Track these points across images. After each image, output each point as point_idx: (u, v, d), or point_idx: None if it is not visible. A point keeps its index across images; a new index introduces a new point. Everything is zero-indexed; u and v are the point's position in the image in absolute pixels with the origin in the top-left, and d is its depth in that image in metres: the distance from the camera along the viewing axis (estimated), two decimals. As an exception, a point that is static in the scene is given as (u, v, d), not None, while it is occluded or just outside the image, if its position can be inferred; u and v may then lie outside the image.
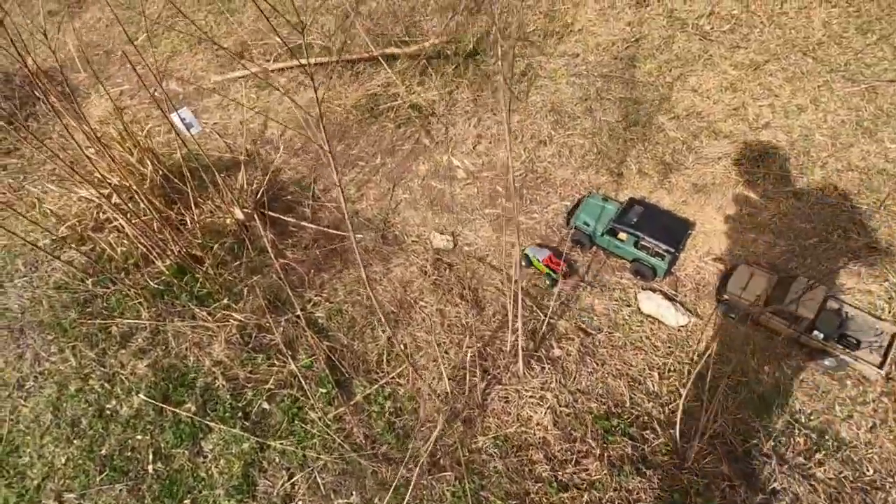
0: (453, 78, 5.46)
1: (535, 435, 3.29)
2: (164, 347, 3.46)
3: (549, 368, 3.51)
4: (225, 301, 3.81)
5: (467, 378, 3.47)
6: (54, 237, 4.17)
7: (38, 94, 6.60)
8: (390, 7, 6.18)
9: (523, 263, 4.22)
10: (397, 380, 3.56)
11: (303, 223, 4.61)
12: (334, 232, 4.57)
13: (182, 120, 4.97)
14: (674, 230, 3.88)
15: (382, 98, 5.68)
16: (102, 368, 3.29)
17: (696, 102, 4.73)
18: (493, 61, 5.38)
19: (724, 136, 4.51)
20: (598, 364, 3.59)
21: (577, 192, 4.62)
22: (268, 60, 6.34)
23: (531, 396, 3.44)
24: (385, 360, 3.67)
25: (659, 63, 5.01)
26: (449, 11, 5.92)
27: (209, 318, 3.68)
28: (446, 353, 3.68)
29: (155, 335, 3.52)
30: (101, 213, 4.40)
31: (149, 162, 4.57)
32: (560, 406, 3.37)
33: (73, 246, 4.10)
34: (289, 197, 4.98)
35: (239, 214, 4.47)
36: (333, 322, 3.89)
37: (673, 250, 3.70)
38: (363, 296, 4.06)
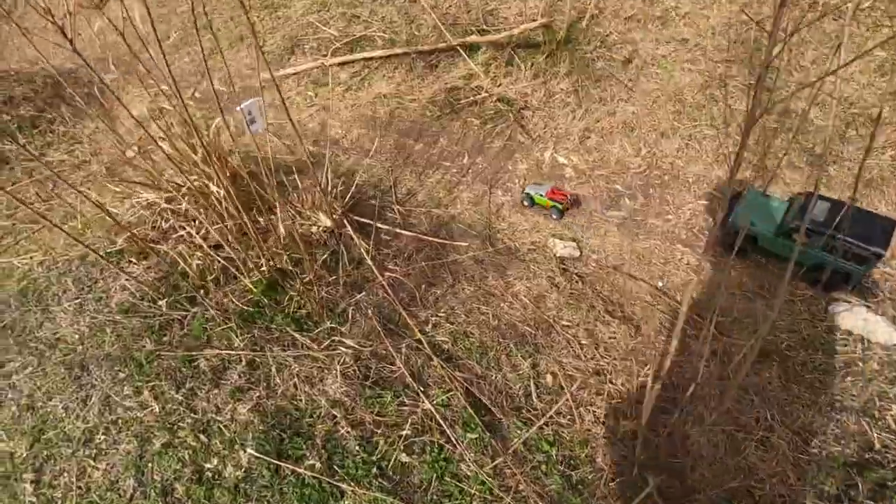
0: (546, 67, 4.87)
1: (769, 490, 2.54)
2: (266, 384, 2.73)
3: (756, 401, 2.82)
4: (328, 324, 3.09)
5: (644, 414, 2.78)
6: (109, 250, 3.44)
7: (62, 95, 5.93)
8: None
9: (525, 203, 4.16)
10: (556, 418, 2.85)
11: (399, 230, 3.93)
12: (436, 240, 3.90)
13: (248, 115, 4.29)
14: (876, 228, 3.18)
15: (463, 92, 5.07)
16: (193, 415, 2.54)
17: (842, 88, 4.17)
18: (592, 48, 4.80)
19: (887, 123, 3.94)
20: (808, 392, 2.91)
21: (714, 190, 4.00)
22: (324, 55, 5.72)
23: (745, 437, 2.74)
24: (534, 394, 2.97)
25: (788, 46, 4.46)
26: (529, -2, 5.36)
27: (314, 345, 2.96)
28: (611, 382, 2.98)
29: (253, 369, 2.78)
30: (163, 221, 3.68)
31: (216, 161, 3.87)
32: (792, 451, 2.65)
33: (133, 260, 3.37)
34: (372, 201, 4.30)
35: (326, 221, 3.78)
36: (460, 347, 3.18)
37: (882, 252, 3.07)
38: (489, 315, 3.36)
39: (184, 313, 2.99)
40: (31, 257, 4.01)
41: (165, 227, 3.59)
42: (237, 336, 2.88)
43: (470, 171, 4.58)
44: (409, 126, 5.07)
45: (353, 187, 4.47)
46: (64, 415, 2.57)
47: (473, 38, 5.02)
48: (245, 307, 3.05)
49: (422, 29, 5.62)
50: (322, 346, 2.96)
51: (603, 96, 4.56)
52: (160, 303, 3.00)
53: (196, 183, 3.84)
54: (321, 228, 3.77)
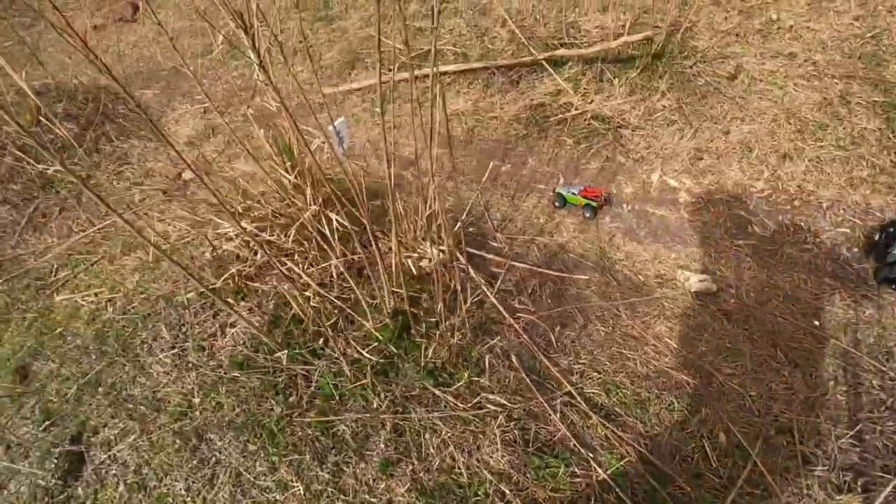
0: (642, 83, 4.55)
1: None
2: (417, 454, 2.32)
3: None
4: (466, 375, 2.68)
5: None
6: (201, 290, 3.01)
7: (105, 112, 5.51)
8: (540, 6, 5.30)
9: (556, 204, 4.04)
10: (747, 487, 2.46)
11: (514, 262, 3.54)
12: (556, 273, 3.51)
13: (338, 135, 3.92)
14: None
15: (551, 109, 4.73)
16: (344, 496, 2.11)
17: None
18: (692, 63, 4.49)
19: None
20: None
21: (852, 216, 3.67)
22: (390, 69, 5.37)
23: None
24: (712, 457, 2.57)
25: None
26: (614, 9, 5.06)
27: (458, 402, 2.55)
28: (801, 443, 2.60)
29: (399, 435, 2.37)
30: (251, 254, 3.27)
31: (308, 187, 3.47)
32: None
33: (230, 301, 2.95)
34: (471, 229, 3.92)
35: (436, 254, 3.38)
36: (614, 400, 2.78)
37: None
38: (635, 361, 2.97)
39: (307, 367, 2.56)
40: (95, 293, 3.57)
41: (259, 261, 3.18)
42: (374, 394, 2.47)
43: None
44: (493, 145, 4.72)
45: (463, 215, 4.10)
46: (186, 497, 2.13)
47: (563, 51, 4.70)
48: (373, 358, 2.63)
49: (496, 42, 5.29)
50: (468, 404, 2.55)
51: (712, 114, 4.24)
52: (278, 354, 2.57)
53: (288, 210, 3.45)
54: (431, 262, 3.37)
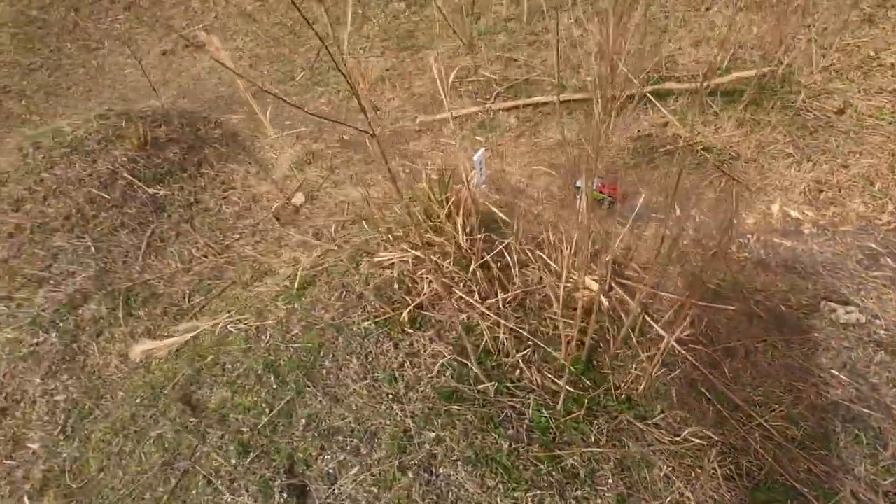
0: (749, 116, 4.67)
1: None
2: (646, 489, 2.30)
3: None
4: (659, 408, 2.69)
5: None
6: (377, 319, 3.01)
7: (202, 137, 5.56)
8: (633, 39, 5.45)
9: (577, 197, 3.93)
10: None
11: (663, 293, 3.58)
12: (701, 303, 3.54)
13: (479, 166, 3.98)
14: None
15: (657, 140, 4.84)
16: (590, 534, 2.11)
17: None
18: (800, 98, 4.62)
19: None
20: None
21: (985, 250, 3.76)
22: (487, 98, 5.48)
23: None
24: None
25: None
26: (706, 44, 5.22)
27: (661, 434, 2.55)
28: None
29: (622, 469, 2.35)
30: (410, 283, 3.28)
31: (459, 218, 3.51)
32: None
33: (409, 330, 2.95)
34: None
35: (593, 284, 3.41)
36: (802, 433, 2.79)
37: None
38: (809, 392, 2.99)
39: (514, 399, 2.56)
40: (238, 319, 3.55)
41: (428, 291, 3.19)
42: (588, 427, 2.46)
43: (688, 224, 4.30)
44: (603, 175, 4.79)
45: (616, 244, 4.14)
46: (435, 538, 2.10)
47: (671, 84, 4.83)
48: (573, 390, 2.63)
49: (592, 74, 5.43)
50: (673, 438, 2.55)
51: (827, 147, 4.35)
52: (483, 386, 2.57)
53: (438, 240, 3.48)
54: (588, 294, 3.40)
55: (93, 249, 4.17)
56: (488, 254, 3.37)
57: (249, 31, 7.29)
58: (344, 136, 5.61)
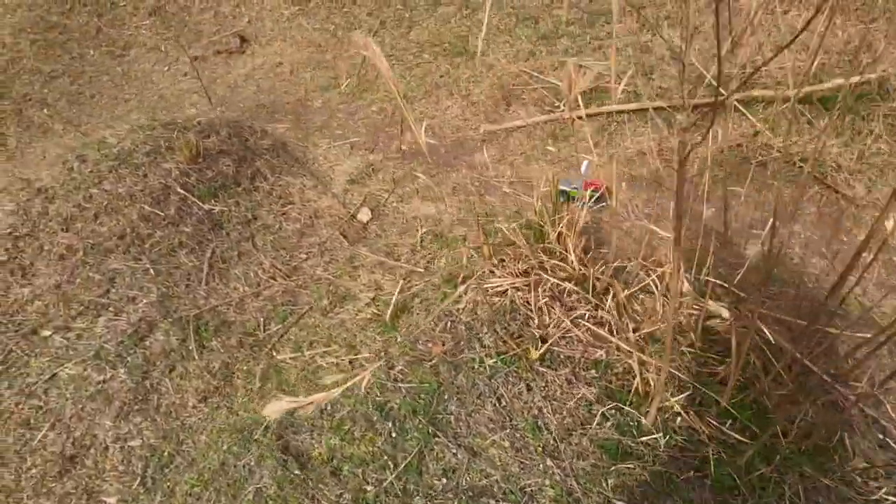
0: (849, 124, 4.39)
1: None
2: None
3: None
4: (837, 458, 2.37)
5: None
6: (501, 354, 2.67)
7: (252, 148, 5.23)
8: (707, 44, 5.18)
9: (561, 199, 3.70)
10: None
11: (787, 319, 3.26)
12: (833, 331, 3.24)
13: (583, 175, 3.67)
14: None
15: (748, 151, 4.54)
16: None
17: None
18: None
19: None
20: None
21: None
22: (556, 106, 5.17)
23: None
24: None
25: None
26: (790, 51, 4.95)
27: (849, 490, 2.23)
28: None
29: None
30: (530, 313, 2.95)
31: (572, 239, 3.19)
32: None
33: (545, 370, 2.62)
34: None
35: (723, 311, 3.10)
36: None
37: None
38: None
39: (686, 454, 2.23)
40: (327, 351, 3.22)
41: (551, 321, 2.86)
42: (780, 487, 2.14)
43: (792, 241, 4.00)
44: (687, 188, 4.49)
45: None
46: None
47: (759, 91, 4.55)
48: (745, 440, 2.31)
49: (666, 80, 5.15)
50: (867, 493, 2.23)
51: (942, 158, 4.08)
52: (648, 438, 2.24)
53: (549, 263, 3.16)
54: (721, 322, 3.09)
55: (152, 272, 3.83)
56: (600, 277, 3.06)
57: (287, 36, 6.97)
58: (402, 147, 5.29)
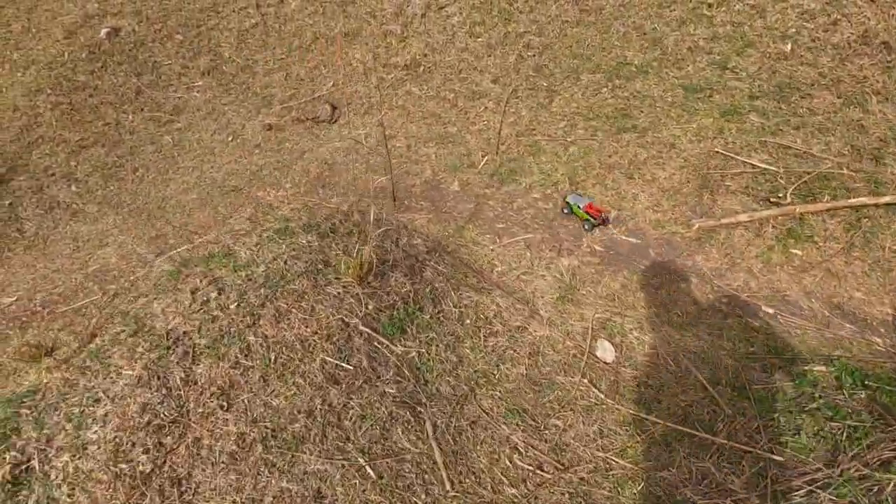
0: None
1: None
2: None
3: None
4: None
5: None
6: None
7: (405, 249, 4.08)
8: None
9: (564, 211, 4.41)
10: None
11: None
12: None
13: None
14: None
15: None
16: None
17: None
18: None
19: None
20: None
21: None
22: (779, 197, 4.27)
23: None
24: None
25: None
26: None
27: None
28: None
29: None
30: None
31: None
32: None
33: None
34: None
35: None
36: None
37: None
38: None
39: None
40: None
41: None
42: None
43: None
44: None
45: None
46: None
47: None
48: None
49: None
50: None
51: None
52: None
53: None
54: None
55: (371, 474, 2.54)
56: None
57: (394, 105, 5.95)
58: (594, 246, 4.24)
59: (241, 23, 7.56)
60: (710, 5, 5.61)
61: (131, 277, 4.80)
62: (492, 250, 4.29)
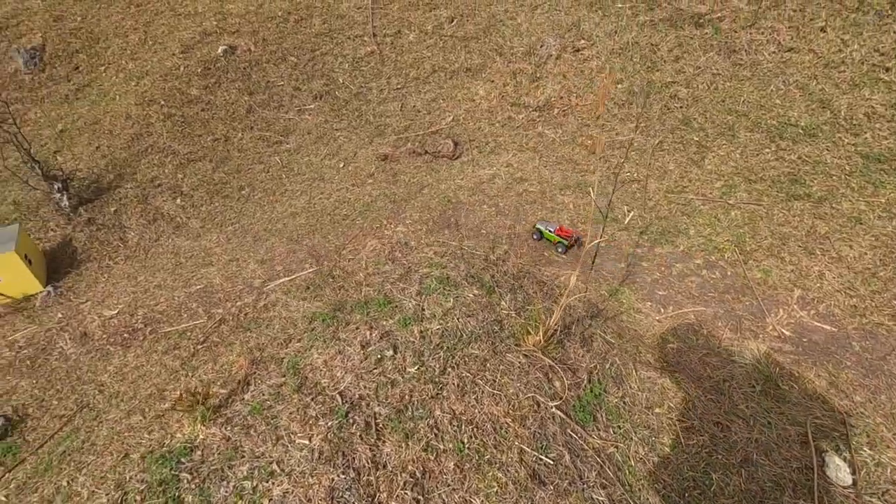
0: None
1: None
2: None
3: None
4: None
5: None
6: None
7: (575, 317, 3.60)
8: None
9: (535, 237, 4.46)
10: None
11: None
12: None
13: None
14: None
15: None
16: None
17: None
18: None
19: None
20: None
21: None
22: None
23: None
24: None
25: None
26: None
27: None
28: None
29: None
30: None
31: None
32: None
33: None
34: None
35: None
36: None
37: None
38: None
39: None
40: None
41: None
42: None
43: None
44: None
45: None
46: None
47: None
48: None
49: None
50: None
51: None
52: None
53: None
54: None
55: None
56: None
57: (525, 146, 5.60)
58: (784, 331, 3.66)
59: (356, 50, 7.47)
60: (886, 69, 5.11)
61: (238, 303, 4.50)
62: (658, 321, 3.77)
